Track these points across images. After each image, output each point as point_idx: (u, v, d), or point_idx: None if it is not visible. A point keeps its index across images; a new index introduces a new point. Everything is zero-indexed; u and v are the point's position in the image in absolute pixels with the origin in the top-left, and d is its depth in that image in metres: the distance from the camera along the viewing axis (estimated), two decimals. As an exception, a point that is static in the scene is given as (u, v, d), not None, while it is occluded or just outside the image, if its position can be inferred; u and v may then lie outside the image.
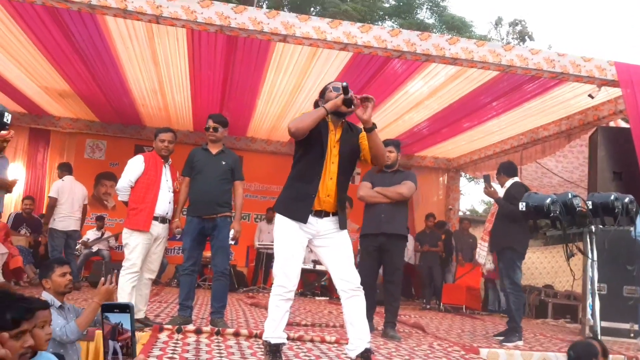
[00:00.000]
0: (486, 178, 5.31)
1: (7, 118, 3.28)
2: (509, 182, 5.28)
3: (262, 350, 3.16)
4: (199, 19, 5.00)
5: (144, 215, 4.23)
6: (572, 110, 7.33)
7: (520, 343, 4.84)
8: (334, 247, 3.04)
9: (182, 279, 4.51)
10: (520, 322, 5.00)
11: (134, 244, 4.19)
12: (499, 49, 5.65)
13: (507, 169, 5.40)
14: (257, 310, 6.19)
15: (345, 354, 3.16)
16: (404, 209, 4.82)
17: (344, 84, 2.91)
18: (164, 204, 4.34)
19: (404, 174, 4.86)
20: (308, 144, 3.04)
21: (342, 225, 3.06)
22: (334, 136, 3.07)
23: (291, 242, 3.01)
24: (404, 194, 4.68)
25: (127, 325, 1.55)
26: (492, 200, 5.83)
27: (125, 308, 1.57)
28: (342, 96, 2.90)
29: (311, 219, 3.01)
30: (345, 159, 3.05)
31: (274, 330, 2.99)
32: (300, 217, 2.99)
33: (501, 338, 5.00)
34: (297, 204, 3.02)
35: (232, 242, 4.44)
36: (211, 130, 4.54)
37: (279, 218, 3.09)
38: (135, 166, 4.33)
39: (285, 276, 2.99)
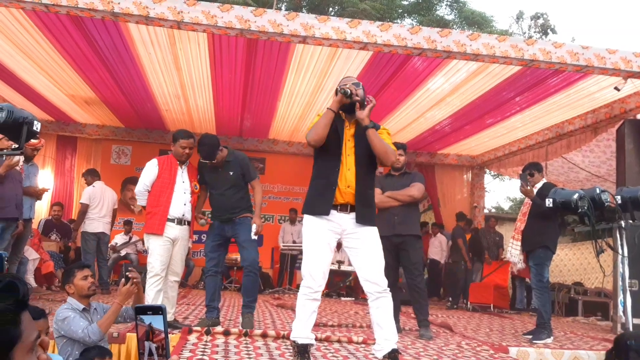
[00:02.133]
0: (523, 177, 5.27)
1: (37, 127, 3.35)
2: (539, 183, 5.22)
3: (290, 351, 3.17)
4: (219, 23, 5.05)
5: (157, 218, 4.25)
6: (598, 104, 7.18)
7: (549, 341, 4.77)
8: (362, 248, 3.05)
9: (206, 281, 4.57)
10: (548, 320, 4.94)
11: (152, 248, 4.24)
12: (521, 43, 5.57)
13: (540, 167, 5.35)
14: (283, 311, 6.22)
15: (373, 354, 3.16)
16: (415, 210, 4.91)
17: (340, 89, 3.03)
18: (179, 205, 4.33)
19: (411, 175, 4.91)
20: (326, 139, 3.09)
21: (368, 220, 3.06)
22: (348, 131, 3.14)
23: (317, 242, 3.04)
24: (415, 196, 4.76)
25: (160, 327, 1.58)
26: (518, 197, 5.77)
27: (158, 310, 1.60)
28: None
29: (336, 215, 3.03)
30: (361, 152, 3.09)
31: (301, 330, 3.01)
32: (323, 210, 3.03)
33: (530, 337, 4.94)
34: (320, 199, 3.07)
35: (255, 237, 4.44)
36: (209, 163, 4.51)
37: (305, 218, 3.13)
38: (149, 170, 4.37)
39: (310, 276, 3.01)
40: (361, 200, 3.06)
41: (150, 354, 1.59)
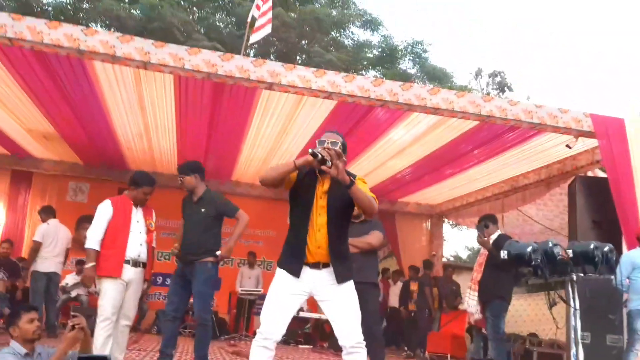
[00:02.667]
0: (479, 227, 5.40)
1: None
2: (494, 235, 5.35)
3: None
4: (186, 65, 5.07)
5: (114, 260, 4.13)
6: (551, 160, 7.48)
7: None
8: (335, 301, 3.01)
9: (162, 325, 4.45)
10: None
11: (104, 290, 4.10)
12: (478, 99, 5.80)
13: (495, 219, 5.51)
14: (238, 359, 6.05)
15: None
16: (373, 258, 4.92)
17: (310, 150, 2.85)
18: (135, 246, 4.25)
19: (371, 223, 4.94)
20: (296, 196, 3.08)
21: (341, 279, 3.01)
22: (321, 187, 3.06)
23: (279, 292, 3.00)
24: (373, 244, 4.78)
25: (105, 377, 1.52)
26: (476, 246, 5.91)
27: None
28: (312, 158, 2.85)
29: (307, 272, 3.00)
30: (334, 210, 3.02)
31: None
32: (293, 270, 3.00)
33: None
34: (290, 258, 3.04)
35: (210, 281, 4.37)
36: (180, 182, 4.60)
37: (277, 269, 3.09)
38: (104, 212, 4.27)
39: (266, 324, 2.97)
40: (336, 257, 3.02)
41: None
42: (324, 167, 2.84)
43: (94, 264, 4.08)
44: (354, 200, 2.96)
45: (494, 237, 5.34)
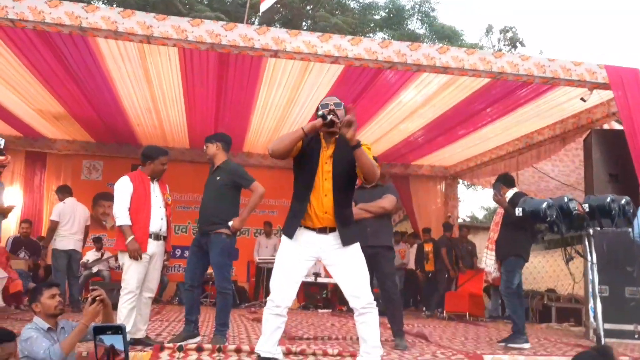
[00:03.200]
0: (496, 186, 5.37)
1: (0, 143, 3.29)
2: (510, 193, 5.33)
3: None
4: (189, 37, 5.02)
5: (138, 235, 4.17)
6: (565, 114, 7.36)
7: (526, 345, 4.83)
8: (342, 264, 3.04)
9: (183, 295, 4.53)
10: (522, 326, 4.99)
11: (128, 264, 4.16)
12: (489, 56, 5.69)
13: (507, 180, 5.48)
14: (259, 325, 6.15)
15: None
16: (387, 221, 4.93)
17: (320, 113, 2.93)
18: (156, 220, 4.29)
19: (384, 187, 4.93)
20: (301, 162, 3.09)
21: (346, 241, 3.03)
22: (326, 152, 3.07)
23: (286, 259, 3.05)
24: (386, 208, 4.78)
25: (120, 347, 1.54)
26: (492, 206, 5.90)
27: (118, 329, 1.56)
28: (321, 120, 2.92)
29: (315, 237, 3.03)
30: (339, 175, 3.04)
31: (264, 344, 3.01)
32: (288, 232, 3.04)
33: (503, 344, 5.00)
34: (290, 221, 3.08)
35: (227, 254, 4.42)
36: (204, 150, 4.65)
37: (282, 237, 3.14)
38: (125, 188, 4.27)
39: (275, 291, 3.02)
40: (342, 222, 3.04)
41: (111, 374, 1.55)
42: (333, 129, 2.89)
43: (132, 237, 4.13)
44: (357, 163, 2.97)
45: (509, 195, 5.31)
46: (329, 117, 2.89)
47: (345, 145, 3.04)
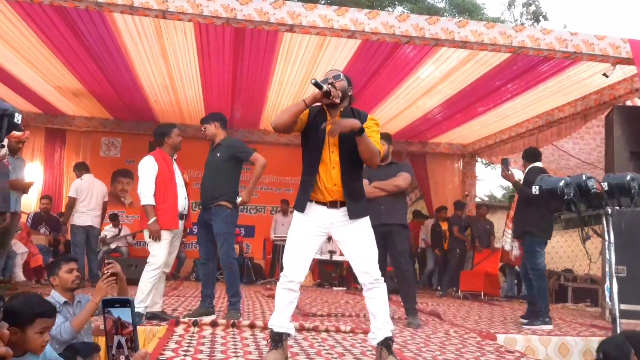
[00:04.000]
0: (504, 162, 5.33)
1: (18, 119, 3.29)
2: (528, 168, 5.28)
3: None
4: (205, 12, 4.99)
5: (169, 213, 4.23)
6: (587, 90, 7.18)
7: (546, 327, 4.82)
8: (352, 240, 3.04)
9: (199, 270, 4.60)
10: (545, 307, 4.98)
11: (160, 242, 4.18)
12: (509, 30, 5.55)
13: (528, 155, 5.46)
14: (273, 302, 6.20)
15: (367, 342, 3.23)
16: (402, 199, 4.92)
17: (313, 80, 2.87)
18: (181, 199, 4.37)
19: (398, 165, 4.91)
20: (307, 136, 3.08)
21: (355, 214, 3.01)
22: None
23: (297, 234, 3.05)
24: (401, 186, 4.76)
25: (128, 319, 1.56)
26: (511, 186, 5.85)
27: (126, 302, 1.58)
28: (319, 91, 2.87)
29: (325, 211, 3.02)
30: (346, 147, 3.00)
31: (277, 318, 3.04)
32: (300, 206, 3.04)
33: (526, 321, 5.01)
34: (301, 195, 3.07)
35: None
36: (203, 132, 4.73)
37: (294, 213, 3.14)
38: (150, 167, 4.29)
39: (287, 266, 3.04)
40: (350, 195, 3.02)
41: (120, 346, 1.58)
42: (331, 100, 2.87)
43: (155, 218, 4.17)
44: (360, 150, 2.94)
45: (526, 170, 5.29)
46: (324, 86, 2.84)
47: (353, 118, 3.02)
